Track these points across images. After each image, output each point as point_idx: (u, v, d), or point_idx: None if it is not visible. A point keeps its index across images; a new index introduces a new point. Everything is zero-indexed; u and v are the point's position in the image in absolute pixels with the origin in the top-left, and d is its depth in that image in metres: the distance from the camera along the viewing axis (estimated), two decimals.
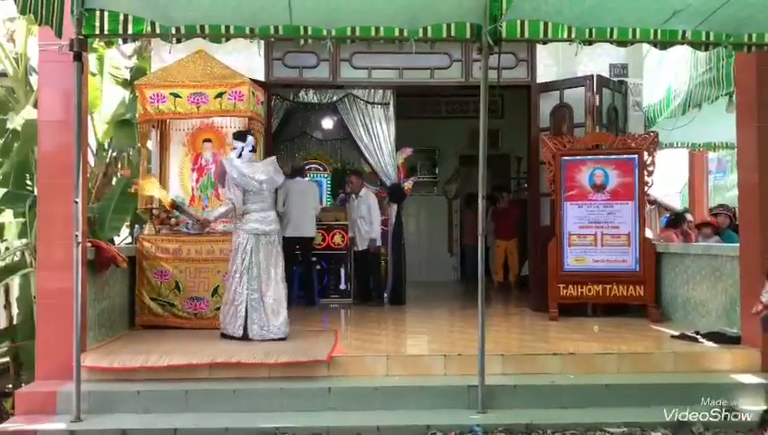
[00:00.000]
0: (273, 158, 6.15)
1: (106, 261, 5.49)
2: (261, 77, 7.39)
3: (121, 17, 4.47)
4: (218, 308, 6.16)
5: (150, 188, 6.08)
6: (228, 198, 5.71)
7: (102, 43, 7.40)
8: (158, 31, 4.58)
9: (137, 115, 6.61)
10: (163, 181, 6.71)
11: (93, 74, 7.76)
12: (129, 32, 4.54)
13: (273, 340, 5.54)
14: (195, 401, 4.62)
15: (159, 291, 6.22)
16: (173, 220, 6.51)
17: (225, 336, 5.68)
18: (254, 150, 5.87)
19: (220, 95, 6.23)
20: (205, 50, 6.40)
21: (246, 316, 5.60)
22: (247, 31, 4.62)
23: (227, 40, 4.74)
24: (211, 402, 4.63)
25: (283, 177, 6.04)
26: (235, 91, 6.23)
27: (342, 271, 8.58)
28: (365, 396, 4.70)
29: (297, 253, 8.04)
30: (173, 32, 4.58)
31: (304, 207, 8.00)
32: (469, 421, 4.38)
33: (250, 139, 5.84)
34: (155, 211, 6.52)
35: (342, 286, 8.59)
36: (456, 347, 5.41)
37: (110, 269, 5.63)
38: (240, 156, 5.73)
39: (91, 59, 7.51)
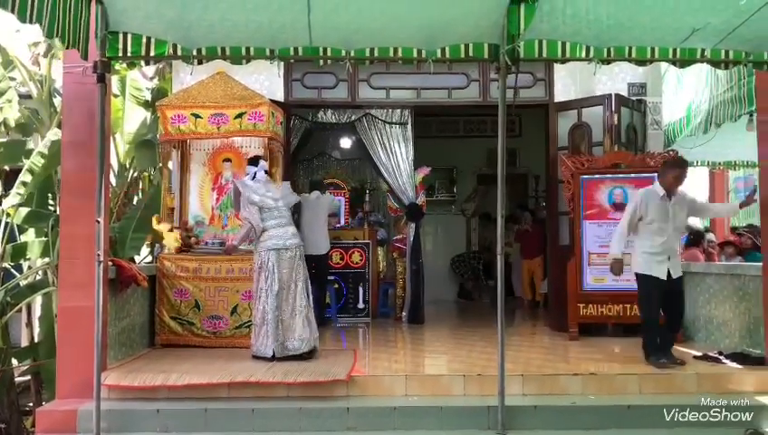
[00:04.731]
0: (287, 182, 6.28)
1: (127, 280, 5.54)
2: (280, 98, 7.49)
3: (144, 39, 4.57)
4: (237, 327, 6.22)
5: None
6: (244, 218, 5.77)
7: (124, 65, 7.52)
8: (179, 53, 4.67)
9: (158, 135, 6.69)
10: (183, 201, 6.79)
11: (115, 96, 7.89)
12: (152, 54, 4.62)
13: (296, 356, 5.49)
14: (214, 419, 4.62)
15: (179, 310, 6.26)
16: (192, 239, 6.57)
17: (256, 358, 5.60)
18: (267, 172, 6.02)
19: (240, 116, 6.30)
20: (225, 71, 6.50)
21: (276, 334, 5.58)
22: (267, 52, 4.69)
23: (248, 61, 4.80)
24: (230, 421, 4.62)
25: (297, 197, 6.25)
26: (255, 112, 6.30)
27: (361, 290, 8.56)
28: (384, 416, 4.66)
29: (312, 271, 7.92)
30: (194, 53, 4.67)
31: (315, 223, 7.82)
32: None
33: (262, 163, 6.01)
34: (175, 230, 6.57)
35: (361, 305, 8.57)
36: (475, 367, 5.37)
37: (131, 288, 5.69)
38: (254, 178, 5.89)
39: (113, 80, 7.64)
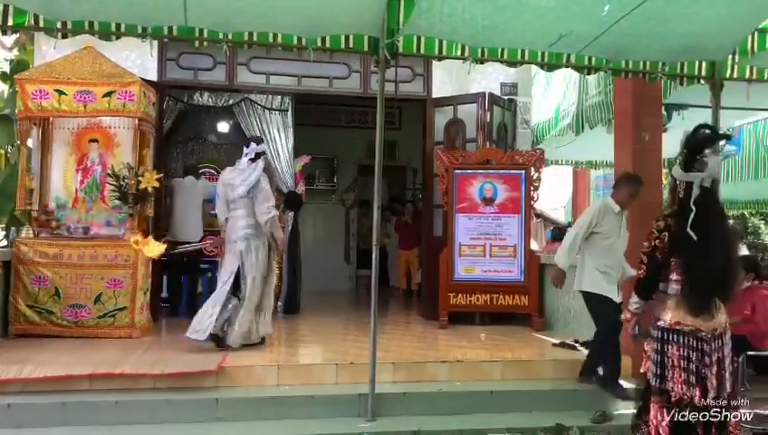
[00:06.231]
0: (257, 163, 5.69)
1: None
2: (153, 77, 7.17)
3: (1, 7, 4.23)
4: (101, 316, 5.97)
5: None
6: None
7: None
8: (41, 24, 4.37)
9: (16, 111, 6.24)
10: (44, 182, 6.38)
11: None
12: (10, 23, 4.30)
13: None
14: (73, 413, 4.39)
15: (37, 298, 5.88)
16: (54, 223, 6.18)
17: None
18: (257, 157, 5.66)
19: (109, 94, 6.01)
20: (93, 46, 6.13)
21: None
22: (139, 30, 4.49)
23: (118, 38, 4.57)
24: (91, 415, 4.40)
25: (255, 176, 5.53)
26: (126, 91, 6.03)
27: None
28: (254, 406, 4.62)
29: (184, 259, 7.56)
30: (58, 26, 4.38)
31: (189, 209, 7.58)
32: (358, 429, 4.41)
33: (252, 146, 5.71)
34: (34, 213, 6.16)
35: None
36: (348, 356, 5.43)
37: None
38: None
39: None
